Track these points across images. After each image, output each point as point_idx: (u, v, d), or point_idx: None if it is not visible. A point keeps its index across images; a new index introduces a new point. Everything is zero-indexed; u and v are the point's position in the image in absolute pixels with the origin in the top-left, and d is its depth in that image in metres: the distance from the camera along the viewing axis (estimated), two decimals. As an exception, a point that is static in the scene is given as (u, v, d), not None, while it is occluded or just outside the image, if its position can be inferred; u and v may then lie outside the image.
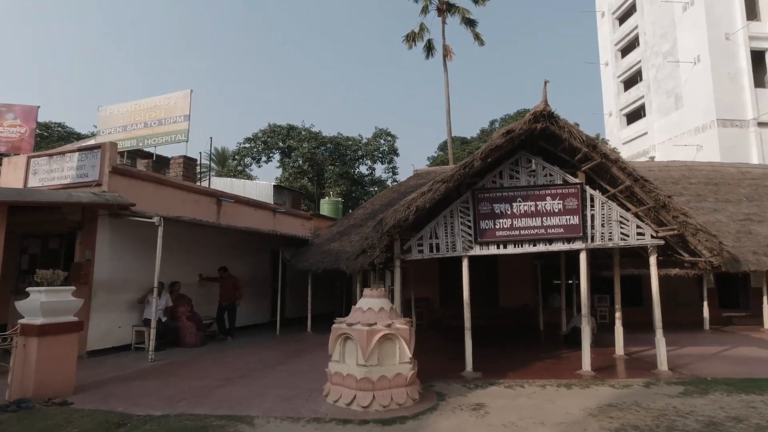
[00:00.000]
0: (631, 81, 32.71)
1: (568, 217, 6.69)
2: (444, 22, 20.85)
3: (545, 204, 6.72)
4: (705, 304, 11.67)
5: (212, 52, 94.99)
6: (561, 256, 10.60)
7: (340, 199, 21.77)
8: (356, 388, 5.10)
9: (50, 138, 26.66)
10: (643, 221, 6.76)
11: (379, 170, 34.53)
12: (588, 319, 9.40)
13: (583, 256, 6.80)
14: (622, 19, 33.55)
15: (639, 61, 31.19)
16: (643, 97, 30.92)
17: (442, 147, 33.78)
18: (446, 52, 20.43)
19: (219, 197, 11.09)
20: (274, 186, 19.87)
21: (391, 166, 31.71)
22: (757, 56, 25.56)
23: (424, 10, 20.24)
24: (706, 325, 11.51)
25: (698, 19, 26.05)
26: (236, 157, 28.49)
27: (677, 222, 6.25)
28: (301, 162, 27.21)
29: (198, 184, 17.98)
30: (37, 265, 7.70)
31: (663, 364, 6.71)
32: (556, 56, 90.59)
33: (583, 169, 6.73)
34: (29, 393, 5.24)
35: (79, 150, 8.82)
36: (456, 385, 6.16)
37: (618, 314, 8.20)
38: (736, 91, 25.11)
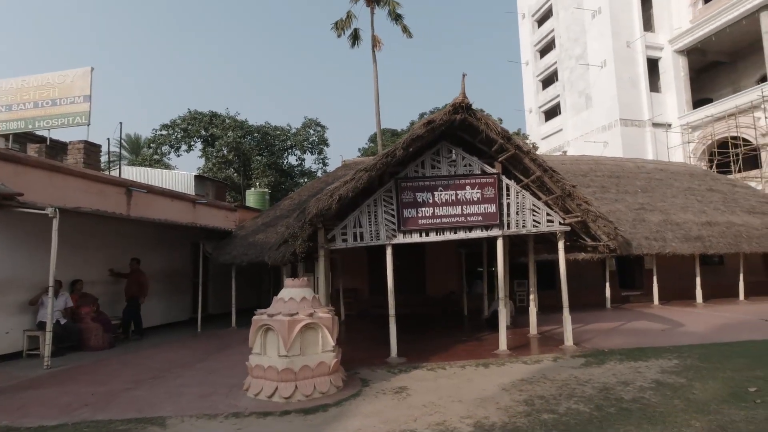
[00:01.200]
0: (549, 80, 35.10)
1: (486, 205, 7.01)
2: (372, 12, 20.83)
3: (465, 193, 6.98)
4: (607, 285, 12.92)
5: (120, 25, 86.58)
6: (483, 244, 11.15)
7: (266, 189, 21.03)
8: (278, 380, 4.98)
9: None
10: (552, 209, 7.28)
11: (309, 161, 33.91)
12: (505, 303, 10.01)
13: (500, 243, 7.18)
14: (541, 21, 35.80)
15: (555, 62, 33.53)
16: (558, 96, 33.33)
17: (373, 138, 33.92)
18: (375, 43, 20.45)
19: (129, 187, 10.18)
20: (196, 176, 18.73)
21: (321, 156, 31.27)
22: (652, 64, 28.60)
23: (353, -2, 20.09)
24: (608, 304, 12.76)
25: (604, 27, 28.53)
26: (152, 145, 26.39)
27: (581, 210, 6.82)
28: (225, 151, 25.89)
29: (107, 173, 16.46)
30: None
31: (569, 340, 7.33)
32: (483, 54, 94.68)
33: (499, 159, 7.08)
34: None
35: (-48, 131, 7.62)
36: (381, 371, 6.24)
37: (532, 297, 8.80)
38: (636, 94, 27.95)
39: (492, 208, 7.02)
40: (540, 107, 35.86)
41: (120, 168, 18.28)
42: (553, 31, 33.62)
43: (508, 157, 6.91)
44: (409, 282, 13.96)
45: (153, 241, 10.94)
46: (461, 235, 7.06)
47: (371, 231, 6.87)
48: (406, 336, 9.41)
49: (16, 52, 79.71)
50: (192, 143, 27.81)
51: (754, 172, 22.14)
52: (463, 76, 6.37)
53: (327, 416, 4.52)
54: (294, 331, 5.05)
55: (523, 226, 7.16)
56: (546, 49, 35.24)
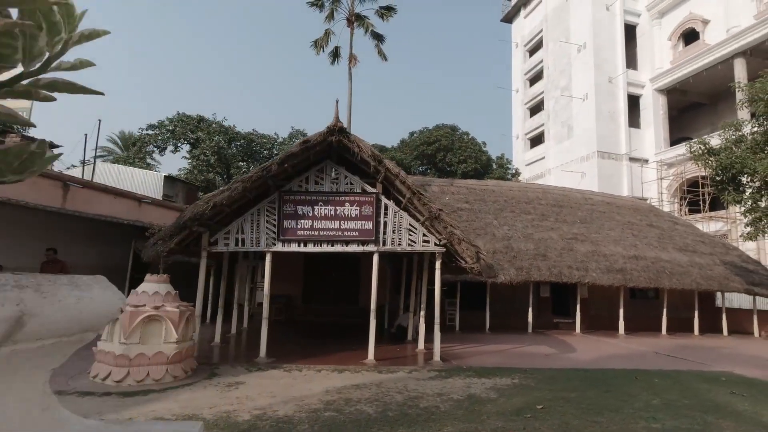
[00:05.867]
0: (536, 108, 35.74)
1: (363, 222, 7.51)
2: (352, 32, 21.70)
3: (344, 209, 7.49)
4: (530, 310, 13.18)
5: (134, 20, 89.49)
6: (403, 261, 11.59)
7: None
8: (113, 364, 5.47)
9: None
10: (430, 231, 7.75)
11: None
12: (408, 317, 10.38)
13: (375, 258, 7.64)
14: (532, 51, 36.63)
15: (542, 92, 34.22)
16: (543, 124, 33.93)
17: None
18: (351, 60, 21.25)
19: (66, 181, 10.84)
20: (166, 177, 19.47)
21: (306, 167, 31.99)
22: (633, 100, 29.15)
23: (329, 17, 20.98)
24: (530, 329, 13.02)
25: (588, 61, 29.20)
26: (137, 143, 27.31)
27: (446, 232, 7.28)
28: (209, 155, 26.70)
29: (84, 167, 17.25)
30: None
31: (436, 356, 7.73)
32: (477, 77, 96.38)
33: (379, 180, 7.60)
34: None
35: None
36: (240, 368, 6.69)
37: (422, 313, 9.18)
38: (615, 128, 28.45)
39: (368, 225, 7.51)
40: (526, 134, 36.45)
41: (94, 164, 19.11)
42: (542, 61, 34.40)
43: (383, 178, 7.42)
44: (346, 293, 14.42)
45: (91, 237, 11.53)
46: (338, 248, 7.55)
47: (252, 238, 7.39)
48: (306, 341, 9.88)
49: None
50: (179, 145, 28.66)
51: (722, 212, 22.44)
52: (336, 102, 6.96)
53: (144, 399, 4.98)
54: (135, 321, 5.55)
55: (399, 244, 7.63)
56: (535, 78, 35.99)
